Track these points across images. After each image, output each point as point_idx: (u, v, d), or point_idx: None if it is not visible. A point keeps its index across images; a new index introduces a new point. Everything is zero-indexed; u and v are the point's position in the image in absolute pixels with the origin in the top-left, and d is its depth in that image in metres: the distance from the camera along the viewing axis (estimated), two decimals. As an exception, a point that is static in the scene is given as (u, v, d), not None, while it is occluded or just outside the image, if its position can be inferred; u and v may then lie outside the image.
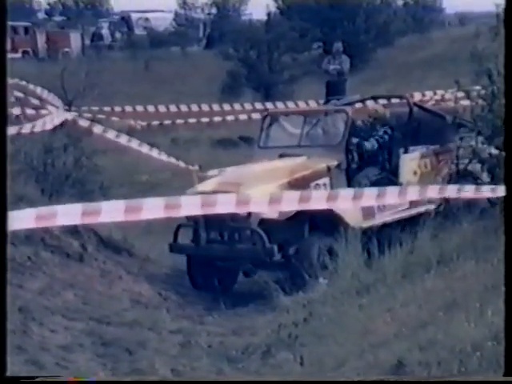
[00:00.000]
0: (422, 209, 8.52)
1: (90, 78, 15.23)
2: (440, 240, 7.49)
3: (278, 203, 6.05)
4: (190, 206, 5.56)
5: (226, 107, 12.51)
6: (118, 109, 14.05)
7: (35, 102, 10.85)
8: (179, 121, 12.18)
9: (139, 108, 12.78)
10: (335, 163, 8.51)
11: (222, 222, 8.14)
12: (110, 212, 4.98)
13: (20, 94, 10.61)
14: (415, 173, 8.80)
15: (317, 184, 8.37)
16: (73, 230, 8.23)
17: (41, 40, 32.01)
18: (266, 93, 19.29)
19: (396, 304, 6.21)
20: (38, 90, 10.40)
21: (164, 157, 11.74)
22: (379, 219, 8.36)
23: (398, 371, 4.99)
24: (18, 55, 30.90)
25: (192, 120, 11.71)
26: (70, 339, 6.47)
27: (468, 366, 4.76)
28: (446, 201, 8.27)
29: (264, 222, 8.07)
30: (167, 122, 12.23)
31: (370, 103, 9.45)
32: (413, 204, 8.45)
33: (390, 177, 8.67)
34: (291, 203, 6.10)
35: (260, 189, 8.02)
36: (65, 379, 4.65)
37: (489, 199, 7.51)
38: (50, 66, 19.84)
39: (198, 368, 6.39)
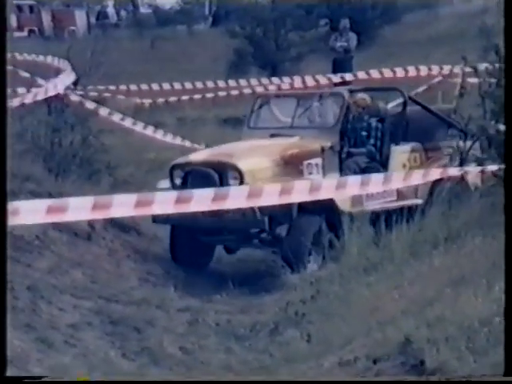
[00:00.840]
0: (409, 202, 8.43)
1: (96, 57, 15.15)
2: (447, 217, 7.49)
3: (289, 194, 5.93)
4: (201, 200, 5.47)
5: (232, 83, 12.49)
6: (123, 87, 14.02)
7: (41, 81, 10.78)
8: (185, 97, 12.15)
9: (144, 86, 12.75)
10: (329, 144, 8.48)
11: None
12: (122, 205, 4.90)
13: (26, 75, 10.55)
14: (404, 166, 8.73)
15: (309, 163, 8.34)
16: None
17: (46, 18, 31.90)
18: (272, 71, 19.20)
19: (404, 281, 6.22)
20: (49, 59, 10.35)
21: (169, 138, 11.67)
22: (367, 207, 8.25)
23: (406, 348, 5.00)
24: (24, 34, 30.82)
25: (197, 96, 11.67)
26: (78, 318, 6.49)
27: (475, 342, 4.77)
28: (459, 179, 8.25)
29: None
30: (173, 98, 12.19)
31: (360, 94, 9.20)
32: (400, 196, 8.43)
33: (378, 167, 8.57)
34: (302, 194, 6.01)
35: (252, 161, 8.11)
36: (66, 379, 4.66)
37: (494, 174, 7.48)
38: (56, 45, 19.76)
39: (206, 346, 6.42)
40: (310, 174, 8.31)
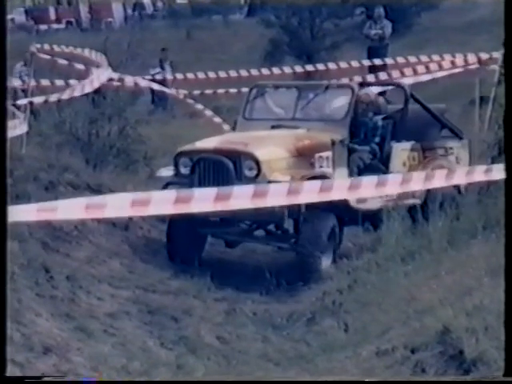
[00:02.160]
0: (409, 201, 8.25)
1: (133, 48, 15.27)
2: (485, 205, 7.42)
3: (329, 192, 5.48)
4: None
5: (265, 72, 12.43)
6: (159, 77, 14.03)
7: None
8: (220, 91, 12.14)
9: (179, 76, 12.76)
10: (339, 138, 8.20)
11: (217, 180, 7.67)
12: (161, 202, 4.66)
13: (64, 62, 10.59)
14: (404, 164, 8.53)
15: (320, 156, 8.04)
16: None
17: (84, 10, 32.09)
18: (307, 60, 19.14)
19: (441, 270, 6.18)
20: (86, 51, 10.38)
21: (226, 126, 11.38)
22: (371, 205, 8.02)
23: (444, 338, 4.96)
24: (62, 26, 31.07)
25: (233, 90, 11.65)
26: (116, 307, 6.55)
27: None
28: None
29: None
30: (208, 91, 12.20)
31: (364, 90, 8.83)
32: (399, 196, 8.11)
33: (379, 165, 8.33)
34: (341, 191, 5.49)
35: (269, 150, 7.84)
36: (66, 379, 4.68)
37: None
38: (93, 36, 19.90)
39: (243, 335, 6.44)
40: (321, 167, 8.05)
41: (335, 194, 5.27)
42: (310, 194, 5.10)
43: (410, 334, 5.24)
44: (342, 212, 7.79)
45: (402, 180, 5.61)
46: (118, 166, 10.11)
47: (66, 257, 7.32)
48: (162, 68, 16.28)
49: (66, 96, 8.91)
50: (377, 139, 8.47)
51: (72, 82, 10.42)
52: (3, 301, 4.05)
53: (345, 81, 10.24)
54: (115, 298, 6.71)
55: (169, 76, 14.70)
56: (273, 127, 8.46)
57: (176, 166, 7.97)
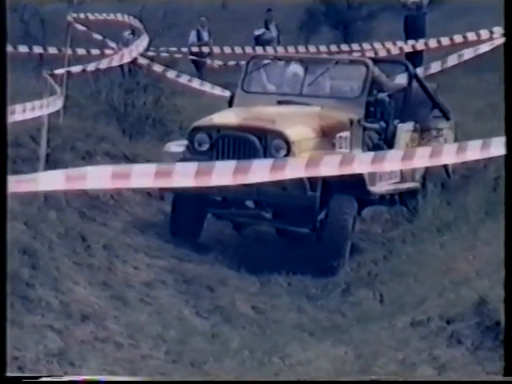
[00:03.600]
0: (410, 184, 8.06)
1: (168, 18, 15.23)
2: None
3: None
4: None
5: (301, 49, 12.33)
6: (195, 49, 14.02)
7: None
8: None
9: (216, 50, 12.74)
10: (356, 117, 7.78)
11: (242, 159, 6.83)
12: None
13: (99, 37, 10.60)
14: (407, 145, 8.13)
15: (340, 136, 7.61)
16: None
17: (119, -19, 32.12)
18: (344, 30, 19.00)
19: (477, 241, 6.14)
20: (120, 16, 10.33)
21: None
22: (379, 188, 7.70)
23: (481, 309, 4.93)
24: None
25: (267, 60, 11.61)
26: (152, 276, 6.60)
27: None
28: None
29: None
30: (243, 62, 12.17)
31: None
32: (403, 178, 8.00)
33: (384, 146, 7.91)
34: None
35: (298, 130, 7.42)
36: (67, 379, 4.72)
37: None
38: (129, 6, 19.90)
39: (278, 306, 6.46)
40: (341, 148, 7.62)
41: (357, 167, 5.15)
42: (330, 167, 4.96)
43: (446, 305, 5.22)
44: (360, 195, 7.45)
45: (458, 149, 5.39)
46: (154, 136, 10.13)
47: (102, 226, 7.38)
48: (267, 28, 15.98)
49: (103, 65, 8.84)
50: (384, 117, 8.04)
51: (108, 51, 10.44)
52: (3, 301, 4.08)
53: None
54: (151, 268, 6.76)
55: (274, 36, 14.55)
56: (279, 102, 8.03)
57: (191, 142, 7.50)
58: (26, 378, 4.55)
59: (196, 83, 11.03)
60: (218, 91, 10.81)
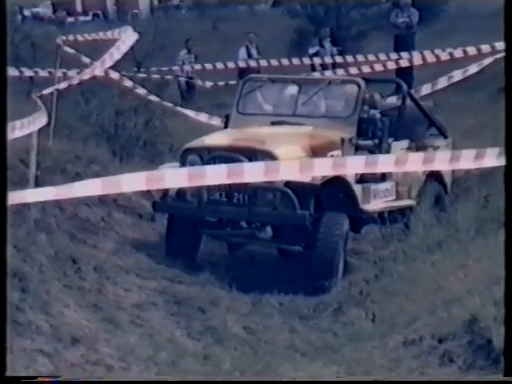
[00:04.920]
0: (406, 202, 8.10)
1: (159, 39, 15.29)
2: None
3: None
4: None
5: (295, 61, 12.40)
6: (187, 67, 14.05)
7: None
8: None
9: (208, 66, 12.75)
10: (348, 136, 7.87)
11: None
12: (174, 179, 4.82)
13: (87, 59, 10.60)
14: None
15: (331, 155, 7.57)
16: (144, 191, 8.32)
17: (110, 2, 32.27)
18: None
19: (469, 259, 6.14)
20: (109, 33, 10.32)
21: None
22: (373, 206, 7.75)
23: (472, 327, 4.92)
24: (89, 18, 31.23)
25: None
26: (143, 298, 6.57)
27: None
28: None
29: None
30: (232, 82, 12.20)
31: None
32: (398, 197, 8.08)
33: None
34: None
35: (287, 149, 7.44)
36: (67, 379, 4.71)
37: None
38: (120, 28, 19.95)
39: (270, 326, 6.44)
40: None
41: (350, 169, 5.21)
42: (324, 168, 5.06)
43: (438, 324, 5.21)
44: (353, 213, 7.50)
45: (451, 157, 5.40)
46: (144, 157, 10.14)
47: (93, 248, 7.35)
48: (322, 46, 15.89)
49: (87, 75, 8.78)
50: (377, 135, 8.06)
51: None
52: (3, 301, 4.06)
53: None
54: (142, 289, 6.74)
55: (327, 55, 14.49)
56: (273, 123, 8.11)
57: (183, 163, 7.53)
58: (25, 378, 4.54)
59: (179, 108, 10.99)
60: (204, 118, 10.76)
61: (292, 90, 8.35)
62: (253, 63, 13.94)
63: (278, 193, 7.26)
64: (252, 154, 7.35)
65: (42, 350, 5.18)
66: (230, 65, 12.63)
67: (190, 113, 10.91)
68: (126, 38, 9.09)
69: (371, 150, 7.96)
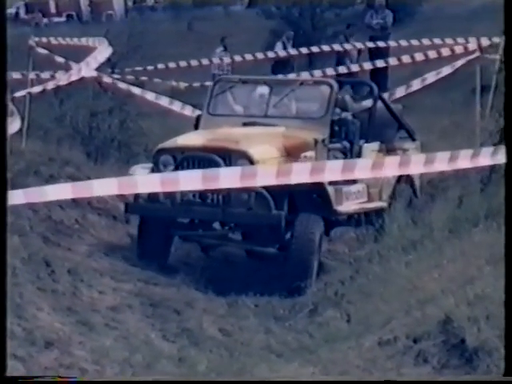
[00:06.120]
0: (377, 204, 8.10)
1: (134, 40, 15.22)
2: (487, 194, 7.40)
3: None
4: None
5: (271, 55, 12.42)
6: (161, 66, 13.96)
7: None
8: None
9: (183, 64, 12.69)
10: (321, 137, 7.81)
11: None
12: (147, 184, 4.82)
13: (61, 59, 10.54)
14: None
15: (305, 156, 7.59)
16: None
17: (84, 3, 32.07)
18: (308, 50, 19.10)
19: (443, 260, 6.16)
20: (83, 40, 10.23)
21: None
22: (346, 208, 7.74)
23: (446, 327, 4.95)
24: (63, 19, 31.04)
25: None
26: (118, 300, 6.54)
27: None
28: None
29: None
30: (209, 83, 12.18)
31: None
32: (370, 199, 8.07)
33: None
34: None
35: (262, 149, 7.43)
36: (67, 379, 4.69)
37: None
38: (94, 29, 19.86)
39: (246, 327, 6.43)
40: None
41: (327, 176, 5.24)
42: (301, 175, 5.08)
43: (412, 324, 5.23)
44: (326, 214, 7.49)
45: (426, 160, 5.43)
46: (119, 159, 10.09)
47: (67, 251, 7.31)
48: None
49: (63, 82, 8.74)
50: (349, 137, 8.06)
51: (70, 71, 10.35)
52: (3, 301, 4.03)
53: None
54: (117, 292, 6.70)
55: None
56: (244, 124, 8.05)
57: (156, 164, 7.48)
58: (25, 378, 4.50)
59: (164, 101, 10.87)
60: (188, 111, 10.70)
61: (263, 90, 8.31)
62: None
63: (253, 193, 7.23)
64: (226, 154, 7.32)
65: (14, 355, 5.13)
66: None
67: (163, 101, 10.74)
68: (103, 50, 9.08)
69: (343, 152, 7.98)
